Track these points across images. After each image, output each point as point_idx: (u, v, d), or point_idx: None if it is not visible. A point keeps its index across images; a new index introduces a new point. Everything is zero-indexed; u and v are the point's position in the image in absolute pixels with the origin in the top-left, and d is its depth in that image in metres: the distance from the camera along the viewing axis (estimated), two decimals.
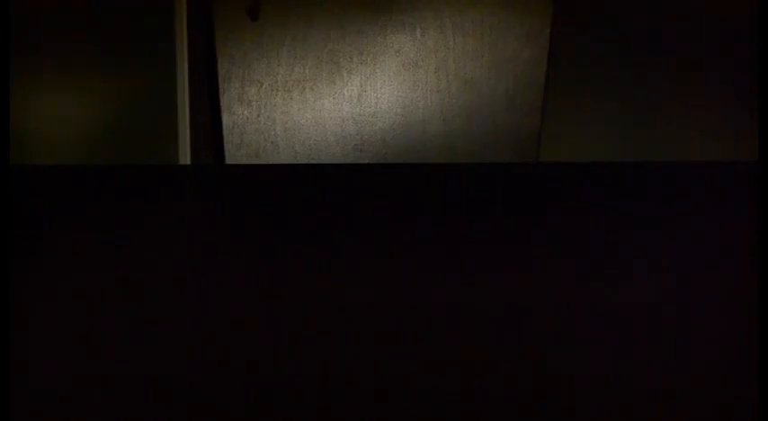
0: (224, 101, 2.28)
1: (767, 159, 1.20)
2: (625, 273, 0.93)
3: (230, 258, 0.96)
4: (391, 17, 2.25)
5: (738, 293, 0.89)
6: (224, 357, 0.77)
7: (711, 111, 2.32)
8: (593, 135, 2.34)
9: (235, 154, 2.31)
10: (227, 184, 1.19)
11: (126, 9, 2.20)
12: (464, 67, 2.27)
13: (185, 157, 2.29)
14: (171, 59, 2.23)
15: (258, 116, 2.29)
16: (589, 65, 2.31)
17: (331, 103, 2.29)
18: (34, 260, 0.96)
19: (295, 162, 2.30)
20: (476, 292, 0.89)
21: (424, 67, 2.27)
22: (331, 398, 0.71)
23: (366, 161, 2.32)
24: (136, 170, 1.24)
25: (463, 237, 1.02)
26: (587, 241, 1.01)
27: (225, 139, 2.30)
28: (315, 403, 0.70)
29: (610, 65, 2.30)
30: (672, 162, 1.29)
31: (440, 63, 2.27)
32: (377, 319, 0.83)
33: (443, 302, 0.86)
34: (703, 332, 0.81)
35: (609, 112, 2.33)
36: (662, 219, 1.08)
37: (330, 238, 1.01)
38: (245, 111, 2.29)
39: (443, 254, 0.98)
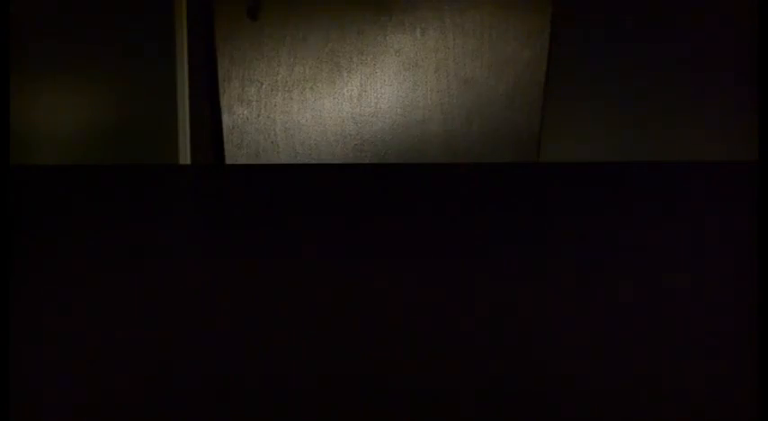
0: (224, 101, 2.28)
1: (767, 159, 1.20)
2: (625, 273, 0.93)
3: (230, 258, 0.96)
4: (391, 17, 2.25)
5: (739, 293, 0.89)
6: (224, 357, 0.77)
7: (712, 111, 2.32)
8: (593, 135, 2.34)
9: (235, 154, 2.31)
10: (227, 184, 1.18)
11: (126, 9, 2.20)
12: (464, 67, 2.27)
13: (185, 157, 2.29)
14: (171, 59, 2.23)
15: (258, 116, 2.29)
16: (589, 65, 2.31)
17: (331, 103, 2.29)
18: (34, 260, 0.96)
19: (295, 162, 2.30)
20: (476, 292, 0.89)
21: (424, 67, 2.27)
22: (331, 397, 0.71)
23: (366, 161, 2.32)
24: (136, 170, 1.24)
25: (463, 237, 1.02)
26: (587, 241, 1.01)
27: (225, 139, 2.30)
28: (315, 402, 0.70)
29: (610, 65, 2.30)
30: (672, 162, 1.29)
31: (440, 63, 2.27)
32: (377, 319, 0.83)
33: (443, 302, 0.86)
34: (703, 332, 0.81)
35: (609, 112, 2.33)
36: (662, 219, 1.08)
37: (330, 238, 1.01)
38: (245, 111, 2.29)
39: (443, 254, 0.98)
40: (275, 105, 2.28)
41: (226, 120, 2.29)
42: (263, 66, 2.26)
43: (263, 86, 2.27)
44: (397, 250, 0.98)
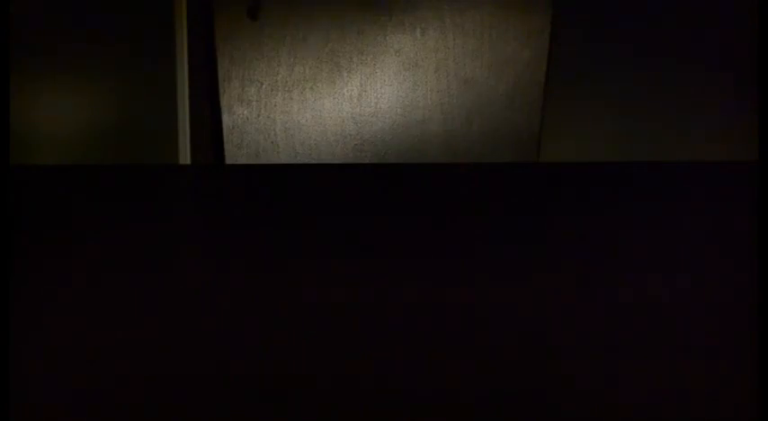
0: (224, 101, 2.28)
1: (767, 159, 1.20)
2: (625, 273, 0.93)
3: (230, 258, 0.96)
4: (391, 17, 2.25)
5: (738, 293, 0.89)
6: (224, 358, 0.77)
7: (711, 111, 2.32)
8: (593, 135, 2.35)
9: (235, 154, 2.31)
10: (227, 184, 1.18)
11: (126, 9, 2.20)
12: (464, 67, 2.27)
13: (185, 157, 2.29)
14: (171, 59, 2.23)
15: (258, 116, 2.29)
16: (589, 65, 2.31)
17: (331, 103, 2.29)
18: (34, 260, 0.96)
19: (295, 162, 2.30)
20: (476, 292, 0.89)
21: (424, 67, 2.27)
22: (331, 398, 0.71)
23: (366, 161, 2.32)
24: (136, 170, 1.24)
25: (463, 237, 1.02)
26: (587, 241, 1.01)
27: (225, 139, 2.30)
28: (315, 403, 0.70)
29: (610, 65, 2.30)
30: (672, 162, 1.29)
31: (440, 63, 2.27)
32: (377, 320, 0.83)
33: (443, 303, 0.86)
34: (703, 332, 0.81)
35: (609, 112, 2.33)
36: (662, 219, 1.08)
37: (330, 238, 1.01)
38: (245, 111, 2.29)
39: (443, 254, 0.98)
40: (275, 105, 2.29)
41: (226, 120, 2.29)
42: (263, 66, 2.27)
43: (263, 86, 2.27)
44: (397, 250, 0.98)
